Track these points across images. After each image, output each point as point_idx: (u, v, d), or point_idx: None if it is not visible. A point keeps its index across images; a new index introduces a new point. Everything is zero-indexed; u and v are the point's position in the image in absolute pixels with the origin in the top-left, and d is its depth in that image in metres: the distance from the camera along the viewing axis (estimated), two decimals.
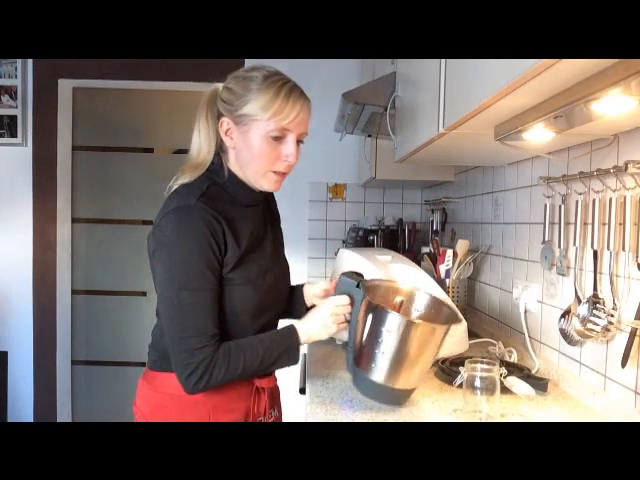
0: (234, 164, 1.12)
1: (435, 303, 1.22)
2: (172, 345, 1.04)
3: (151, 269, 1.09)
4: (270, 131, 1.05)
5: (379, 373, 1.10)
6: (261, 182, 1.11)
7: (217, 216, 1.03)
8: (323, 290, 1.25)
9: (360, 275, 1.20)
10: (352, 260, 1.60)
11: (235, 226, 1.07)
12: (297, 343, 1.10)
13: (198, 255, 1.01)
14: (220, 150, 1.13)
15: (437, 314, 1.20)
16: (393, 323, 1.06)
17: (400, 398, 1.15)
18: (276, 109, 1.03)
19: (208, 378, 1.01)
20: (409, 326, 1.07)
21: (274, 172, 1.09)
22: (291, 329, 1.11)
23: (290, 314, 1.30)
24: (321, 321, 1.12)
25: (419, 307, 1.23)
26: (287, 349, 1.09)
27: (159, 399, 1.13)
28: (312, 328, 1.12)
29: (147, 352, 1.19)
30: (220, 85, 1.12)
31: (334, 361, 1.47)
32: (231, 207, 1.09)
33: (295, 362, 1.10)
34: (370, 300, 1.10)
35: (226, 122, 1.08)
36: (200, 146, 1.12)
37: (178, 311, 1.02)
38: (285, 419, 1.37)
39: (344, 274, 1.19)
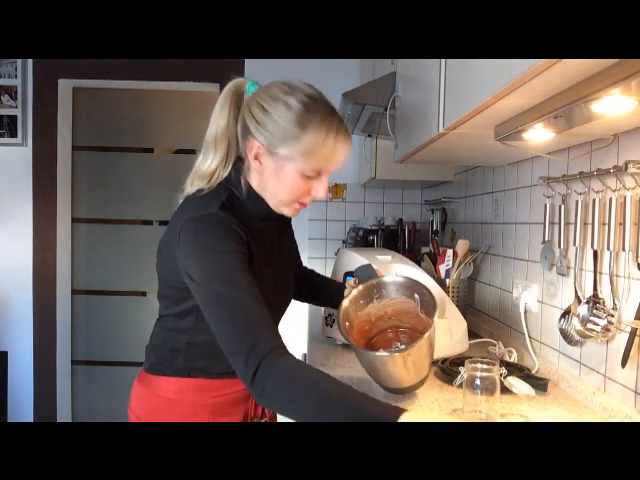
0: (255, 182, 1.05)
1: (412, 287, 1.19)
2: (229, 349, 0.90)
3: (157, 271, 1.08)
4: (307, 170, 0.99)
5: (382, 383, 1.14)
6: (282, 208, 1.06)
7: (239, 225, 0.98)
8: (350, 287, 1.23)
9: (371, 269, 1.22)
10: (352, 260, 1.60)
11: (254, 237, 1.02)
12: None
13: (230, 256, 0.94)
14: (238, 160, 1.06)
15: (417, 299, 1.19)
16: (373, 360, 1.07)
17: (411, 390, 1.16)
18: (321, 158, 0.98)
19: (264, 380, 0.85)
20: (390, 359, 1.08)
21: (299, 202, 1.05)
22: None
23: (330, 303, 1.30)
24: None
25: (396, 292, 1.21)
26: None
27: (156, 403, 1.10)
28: None
29: (145, 354, 1.17)
30: (242, 81, 1.04)
31: (334, 361, 1.47)
32: (248, 220, 1.02)
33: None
34: (348, 340, 1.09)
35: (257, 146, 1.00)
36: (214, 156, 1.03)
37: (229, 310, 0.90)
38: (285, 419, 1.37)
39: (358, 270, 1.23)
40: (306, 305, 1.70)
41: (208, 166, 1.03)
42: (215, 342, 0.92)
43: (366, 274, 1.23)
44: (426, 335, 1.04)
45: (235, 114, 1.04)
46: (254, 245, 1.00)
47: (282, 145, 0.97)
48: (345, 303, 1.16)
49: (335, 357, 1.50)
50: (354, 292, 1.18)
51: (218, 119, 1.04)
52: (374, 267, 1.25)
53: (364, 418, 0.82)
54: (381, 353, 1.10)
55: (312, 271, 1.46)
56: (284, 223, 1.19)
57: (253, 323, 0.88)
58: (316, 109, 0.98)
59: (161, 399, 1.10)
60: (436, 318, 1.08)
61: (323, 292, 1.42)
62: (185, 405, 1.07)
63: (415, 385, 1.14)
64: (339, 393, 0.85)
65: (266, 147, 0.99)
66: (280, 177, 1.01)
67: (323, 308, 1.62)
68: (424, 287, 1.17)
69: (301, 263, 1.39)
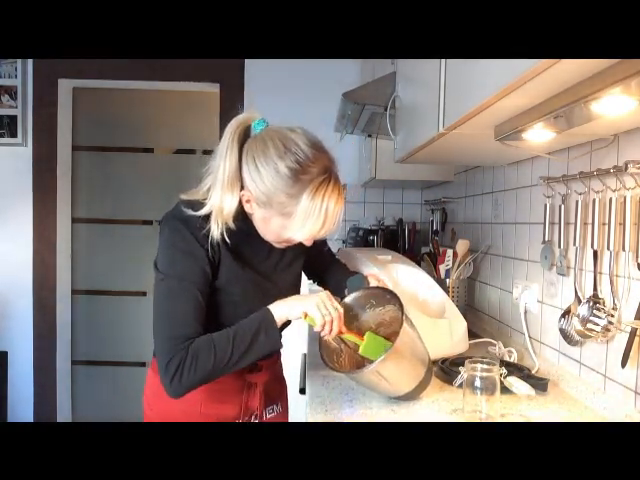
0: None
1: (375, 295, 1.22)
2: (155, 338, 1.02)
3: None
4: (295, 239, 1.03)
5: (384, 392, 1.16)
6: (270, 242, 1.10)
7: (216, 237, 1.02)
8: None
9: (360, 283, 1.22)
10: (352, 260, 1.60)
11: (233, 242, 1.05)
12: (270, 318, 1.02)
13: (190, 255, 1.02)
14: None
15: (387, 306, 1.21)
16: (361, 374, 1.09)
17: (410, 397, 1.17)
18: (309, 230, 1.00)
19: (180, 374, 0.97)
20: (359, 377, 1.10)
21: (286, 242, 1.08)
22: (262, 309, 1.05)
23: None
24: (300, 298, 1.08)
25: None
26: (260, 325, 1.01)
27: (159, 384, 1.11)
28: (286, 302, 1.06)
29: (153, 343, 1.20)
30: (248, 117, 1.04)
31: None
32: (231, 228, 1.05)
33: (274, 339, 1.03)
34: (328, 366, 1.12)
35: (248, 195, 1.02)
36: (232, 196, 1.02)
37: (164, 299, 1.02)
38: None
39: (350, 282, 1.25)
40: None
41: (230, 205, 1.02)
42: (208, 326, 1.03)
43: (356, 286, 1.25)
44: (389, 351, 1.05)
45: (241, 151, 1.03)
46: (231, 254, 1.06)
47: (269, 204, 1.00)
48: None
49: None
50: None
51: (229, 158, 1.01)
52: (365, 272, 1.26)
53: (251, 335, 1.00)
54: (348, 372, 1.15)
55: (329, 266, 1.45)
56: None
57: (180, 323, 1.00)
58: (306, 178, 0.97)
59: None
60: (404, 325, 1.08)
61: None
62: None
63: (412, 392, 1.15)
64: (227, 345, 0.99)
65: (255, 199, 1.01)
66: (266, 224, 1.04)
67: None
68: (392, 294, 1.18)
69: (322, 263, 1.42)
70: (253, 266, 1.11)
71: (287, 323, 1.15)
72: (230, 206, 1.01)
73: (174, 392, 0.99)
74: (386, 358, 1.04)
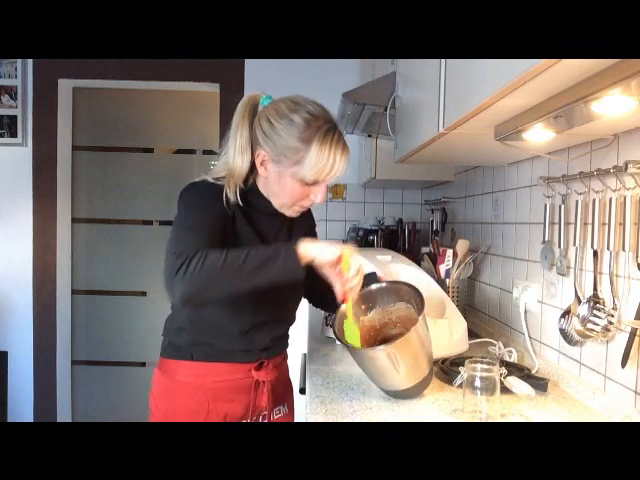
0: (261, 186, 1.16)
1: (396, 290, 1.21)
2: (166, 256, 1.01)
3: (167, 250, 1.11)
4: (307, 179, 1.08)
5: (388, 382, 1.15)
6: (283, 209, 1.16)
7: (231, 198, 1.09)
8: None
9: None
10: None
11: (247, 218, 1.12)
12: (292, 250, 1.00)
13: (209, 207, 1.07)
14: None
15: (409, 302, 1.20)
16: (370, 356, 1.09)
17: (411, 394, 1.17)
18: (319, 169, 1.06)
19: (186, 268, 0.95)
20: (374, 354, 1.09)
21: (299, 205, 1.14)
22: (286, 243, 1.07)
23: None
24: (331, 244, 1.07)
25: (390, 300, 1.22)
26: (280, 250, 1.00)
27: (166, 383, 1.18)
28: (314, 243, 1.04)
29: (161, 341, 1.24)
30: (257, 95, 1.14)
31: (334, 360, 1.47)
32: (247, 207, 1.13)
33: (294, 266, 1.00)
34: (340, 340, 1.12)
35: (263, 154, 1.10)
36: (242, 160, 1.11)
37: (178, 228, 1.06)
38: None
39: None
40: (306, 305, 1.70)
41: (242, 166, 1.11)
42: (213, 316, 1.11)
43: (370, 282, 1.24)
44: (411, 330, 1.05)
45: (251, 124, 1.12)
46: (244, 217, 1.13)
47: (284, 155, 1.07)
48: (343, 307, 1.16)
49: (335, 357, 1.50)
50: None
51: (240, 129, 1.11)
52: (378, 274, 1.24)
53: (268, 254, 1.00)
54: (365, 349, 1.12)
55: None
56: (297, 221, 1.24)
57: (196, 241, 1.01)
58: (317, 125, 1.06)
59: (170, 380, 1.18)
60: (423, 315, 1.08)
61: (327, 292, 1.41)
62: (189, 388, 1.14)
63: (413, 388, 1.14)
64: (241, 254, 0.99)
65: (270, 156, 1.09)
66: (281, 183, 1.11)
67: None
68: (411, 287, 1.18)
69: None
70: (263, 239, 1.15)
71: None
72: (242, 167, 1.10)
73: (180, 290, 0.95)
74: (408, 338, 1.05)
